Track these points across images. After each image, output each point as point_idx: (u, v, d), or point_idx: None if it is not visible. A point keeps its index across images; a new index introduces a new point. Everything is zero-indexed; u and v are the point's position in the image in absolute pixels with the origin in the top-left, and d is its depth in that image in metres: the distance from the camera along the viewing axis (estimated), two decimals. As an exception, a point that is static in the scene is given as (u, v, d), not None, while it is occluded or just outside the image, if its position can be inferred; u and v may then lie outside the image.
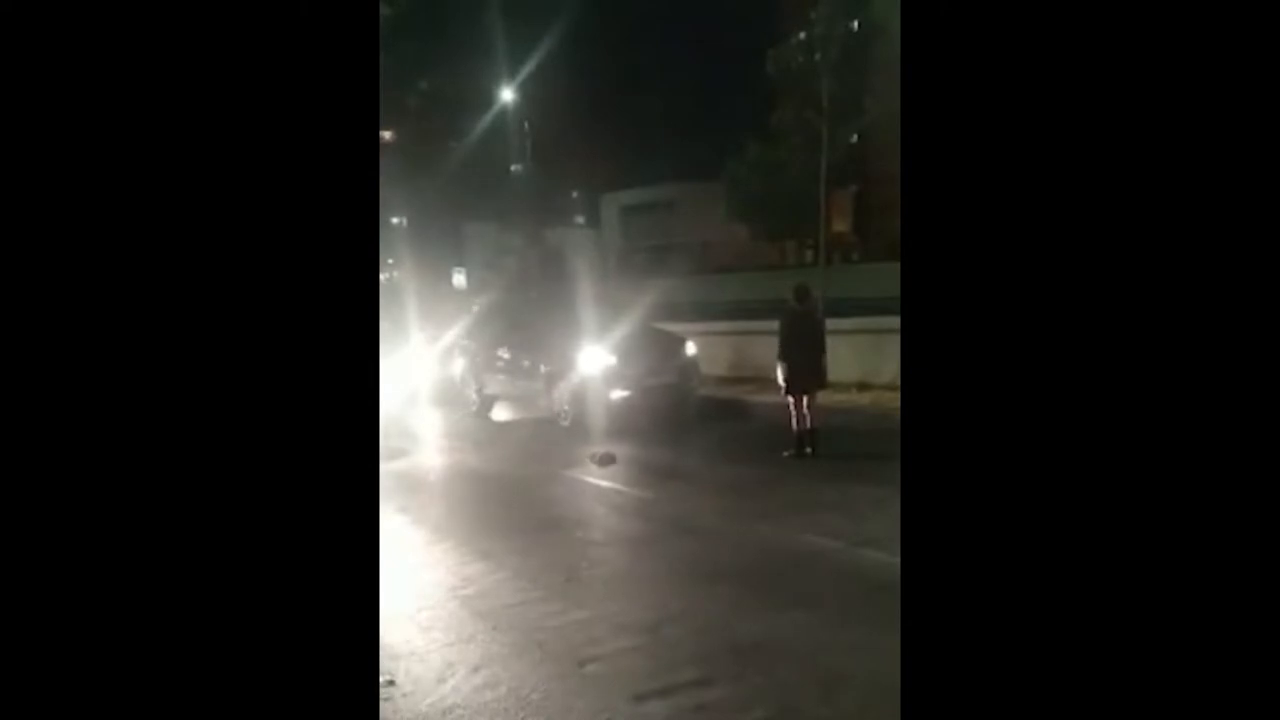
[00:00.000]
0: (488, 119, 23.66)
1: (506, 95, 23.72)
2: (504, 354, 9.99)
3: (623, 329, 8.93)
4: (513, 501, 6.30)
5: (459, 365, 10.82)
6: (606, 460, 7.05)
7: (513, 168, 25.61)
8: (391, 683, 3.24)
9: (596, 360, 8.57)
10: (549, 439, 8.42)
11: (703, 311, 12.05)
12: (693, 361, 9.25)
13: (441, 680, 3.24)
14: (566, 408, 8.77)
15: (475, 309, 11.67)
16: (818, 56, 11.28)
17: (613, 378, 8.51)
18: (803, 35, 12.51)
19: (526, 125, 24.66)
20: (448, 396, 10.96)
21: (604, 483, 6.48)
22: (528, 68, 23.22)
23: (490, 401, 10.36)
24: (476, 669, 3.32)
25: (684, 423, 8.49)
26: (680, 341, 9.39)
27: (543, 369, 9.15)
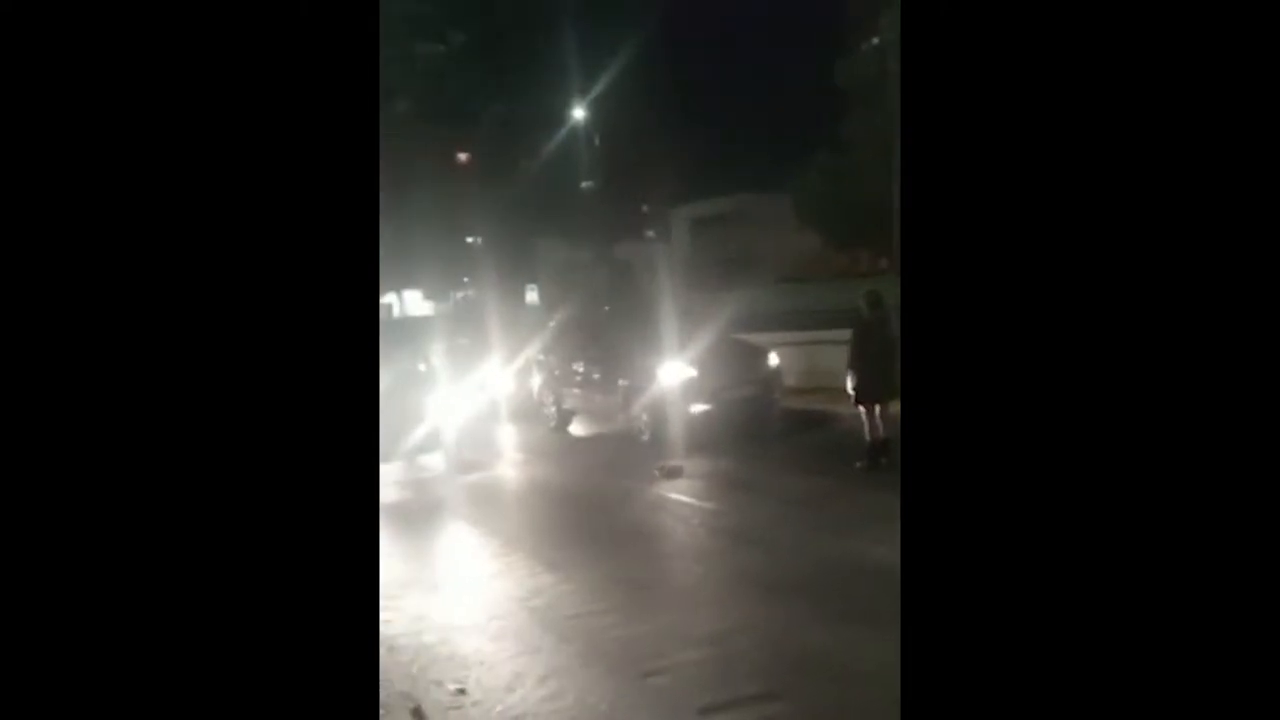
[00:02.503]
0: (559, 137, 24.07)
1: (577, 114, 24.08)
2: (581, 368, 9.98)
3: (702, 340, 8.77)
4: (583, 514, 6.37)
5: (536, 380, 10.90)
6: (674, 473, 7.05)
7: (583, 184, 25.97)
8: (463, 691, 3.32)
9: (676, 373, 8.45)
10: (625, 453, 8.39)
11: (774, 321, 11.94)
12: (775, 372, 9.04)
13: (510, 690, 3.30)
14: (645, 421, 8.67)
15: (551, 324, 11.76)
16: (888, 64, 11.13)
17: (692, 391, 8.37)
18: (875, 41, 12.38)
19: (597, 141, 24.97)
20: (526, 411, 11.09)
21: (674, 495, 6.48)
22: (598, 86, 23.54)
23: (568, 416, 10.38)
24: (544, 679, 3.37)
25: (764, 435, 8.34)
26: (763, 352, 9.21)
27: (621, 383, 9.06)
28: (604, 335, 9.98)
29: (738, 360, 8.94)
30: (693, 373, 8.41)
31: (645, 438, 8.58)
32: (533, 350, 11.32)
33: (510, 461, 8.98)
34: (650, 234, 34.33)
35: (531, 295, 25.74)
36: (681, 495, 6.47)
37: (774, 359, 9.10)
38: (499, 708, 3.16)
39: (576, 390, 10.10)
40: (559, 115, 24.04)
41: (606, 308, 11.02)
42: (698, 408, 8.33)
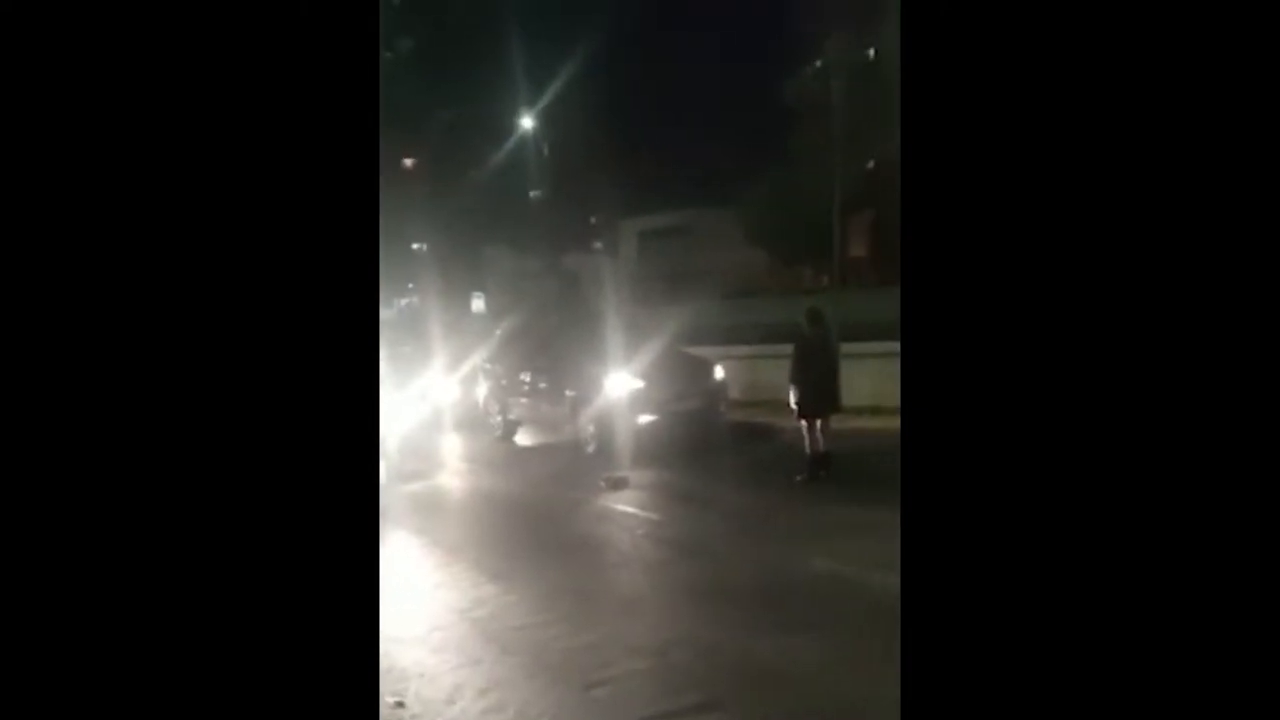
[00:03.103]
0: (508, 146, 23.96)
1: (526, 123, 24.01)
2: (527, 378, 9.92)
3: (649, 352, 8.79)
4: (527, 524, 6.33)
5: (482, 389, 10.80)
6: (619, 484, 7.06)
7: (532, 194, 25.87)
8: (401, 704, 3.26)
9: (622, 385, 8.45)
10: (570, 464, 8.38)
11: (719, 335, 12.07)
12: (721, 385, 9.11)
13: (450, 702, 3.26)
14: (591, 433, 8.64)
15: (498, 333, 11.66)
16: (834, 83, 11.38)
17: (639, 402, 8.38)
18: (819, 63, 12.66)
19: (546, 151, 24.93)
20: (471, 420, 10.97)
21: (619, 506, 6.49)
22: (547, 96, 23.53)
23: (514, 426, 10.30)
24: (484, 691, 3.33)
25: (709, 447, 8.36)
26: (709, 365, 9.28)
27: (568, 393, 9.05)
28: (551, 345, 9.95)
29: (684, 373, 9.00)
30: (639, 384, 8.43)
31: (591, 449, 8.58)
32: (478, 359, 11.23)
33: (454, 471, 8.88)
34: (598, 245, 34.34)
35: (477, 303, 25.51)
36: (627, 506, 6.48)
37: (720, 372, 9.18)
38: (438, 720, 3.13)
39: (523, 400, 10.06)
40: (507, 124, 23.93)
41: (554, 318, 10.99)
42: (644, 419, 8.36)
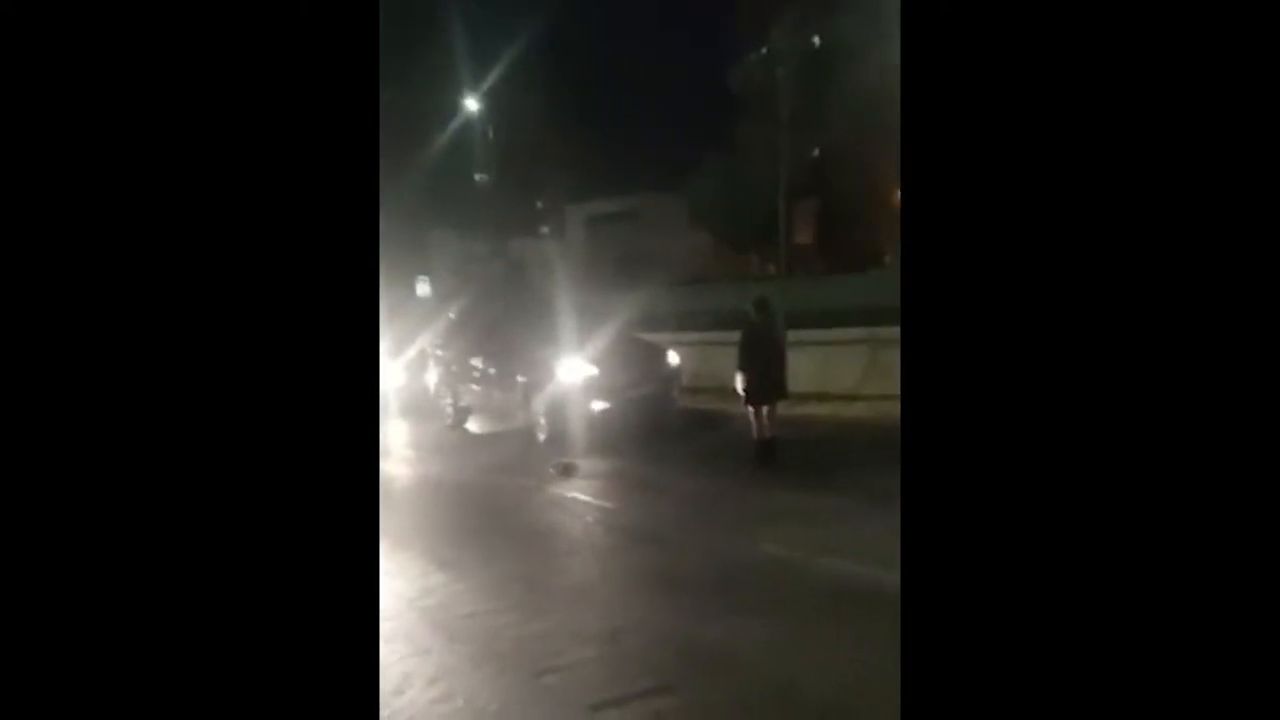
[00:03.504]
0: (452, 128, 23.58)
1: (470, 105, 23.64)
2: (479, 364, 9.71)
3: (603, 338, 8.67)
4: (476, 512, 6.29)
5: (433, 375, 10.56)
6: (569, 470, 7.06)
7: (477, 177, 25.52)
8: (348, 696, 3.23)
9: (576, 371, 8.32)
10: (520, 451, 8.30)
11: (668, 322, 12.12)
12: (676, 372, 9.03)
13: (399, 692, 3.23)
14: (543, 420, 8.50)
15: (452, 316, 11.32)
16: (779, 71, 11.46)
17: (593, 389, 8.27)
18: (764, 50, 12.73)
19: (491, 134, 24.60)
20: (419, 407, 10.74)
21: (568, 493, 6.49)
22: (492, 77, 23.19)
23: (465, 413, 10.10)
24: (433, 681, 3.31)
25: (662, 434, 8.33)
26: (662, 351, 9.21)
27: (519, 379, 8.86)
28: (501, 330, 9.76)
29: (638, 358, 8.92)
30: (593, 370, 8.34)
31: (543, 436, 8.47)
32: (424, 343, 11.00)
33: (401, 459, 8.75)
34: (545, 230, 34.08)
35: (423, 287, 25.10)
36: (578, 494, 6.49)
37: (674, 358, 9.12)
38: (386, 712, 3.09)
39: (475, 387, 9.85)
40: (452, 105, 23.54)
41: (501, 303, 10.79)
42: (598, 406, 8.28)
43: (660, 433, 8.37)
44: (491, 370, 9.52)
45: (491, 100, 23.80)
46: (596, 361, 8.42)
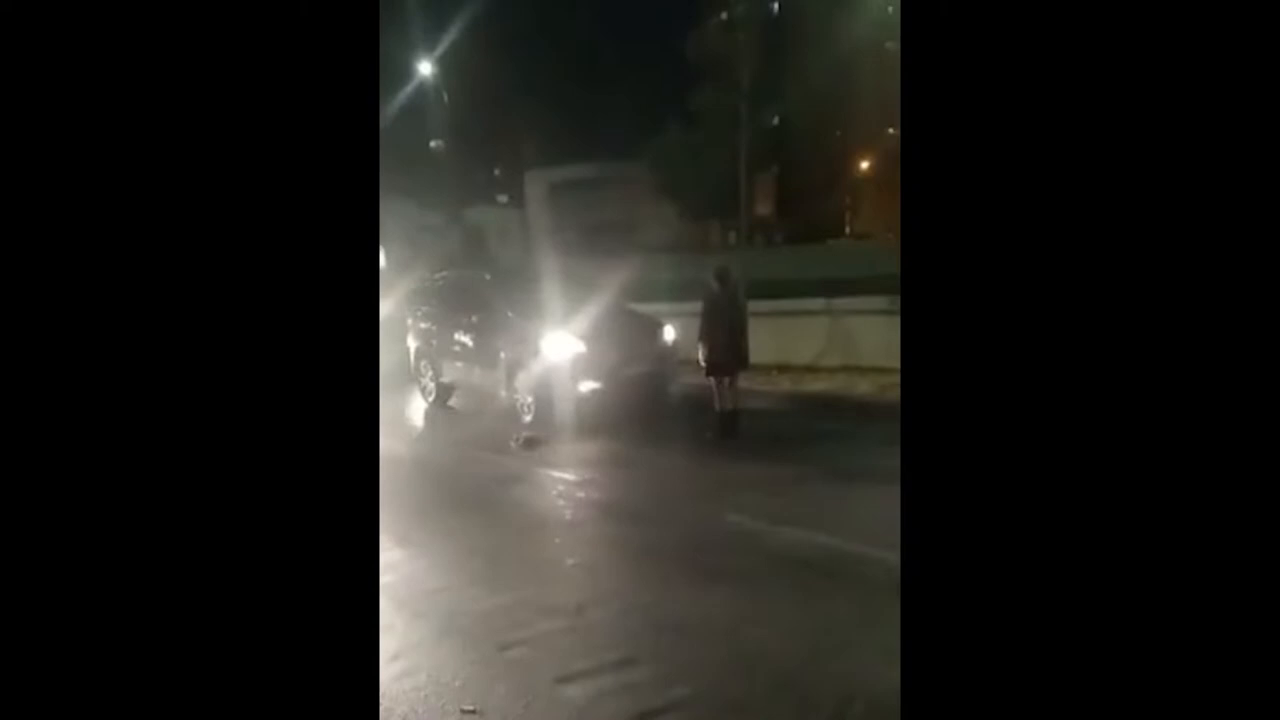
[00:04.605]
0: (405, 93, 23.00)
1: (424, 69, 23.07)
2: (461, 338, 8.84)
3: (592, 311, 7.85)
4: (440, 488, 6.23)
5: (412, 349, 9.69)
6: (531, 443, 7.02)
7: (432, 144, 25.01)
8: (310, 675, 3.19)
9: (563, 347, 7.46)
10: (498, 428, 7.76)
11: (632, 292, 11.99)
12: (670, 348, 8.18)
13: (362, 670, 3.20)
14: (529, 401, 7.68)
15: (416, 288, 10.44)
16: (739, 38, 11.33)
17: (582, 368, 7.42)
18: (723, 16, 12.58)
19: (445, 99, 24.06)
20: (394, 383, 10.07)
21: (533, 467, 6.46)
22: (445, 41, 22.64)
23: (448, 390, 9.39)
24: (396, 657, 3.28)
25: (659, 415, 7.74)
26: (657, 325, 8.37)
27: (502, 355, 8.05)
28: (486, 302, 8.68)
29: (631, 334, 8.12)
30: (581, 347, 7.54)
31: (528, 418, 7.74)
32: (390, 312, 10.25)
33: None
34: (503, 198, 33.58)
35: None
36: (544, 467, 6.46)
37: (670, 333, 8.29)
38: (351, 690, 3.06)
39: (458, 363, 8.99)
40: (405, 69, 22.95)
41: (488, 275, 9.87)
42: (588, 386, 7.51)
43: (657, 413, 7.75)
44: (471, 344, 8.68)
45: (446, 64, 23.26)
46: (585, 337, 7.56)
